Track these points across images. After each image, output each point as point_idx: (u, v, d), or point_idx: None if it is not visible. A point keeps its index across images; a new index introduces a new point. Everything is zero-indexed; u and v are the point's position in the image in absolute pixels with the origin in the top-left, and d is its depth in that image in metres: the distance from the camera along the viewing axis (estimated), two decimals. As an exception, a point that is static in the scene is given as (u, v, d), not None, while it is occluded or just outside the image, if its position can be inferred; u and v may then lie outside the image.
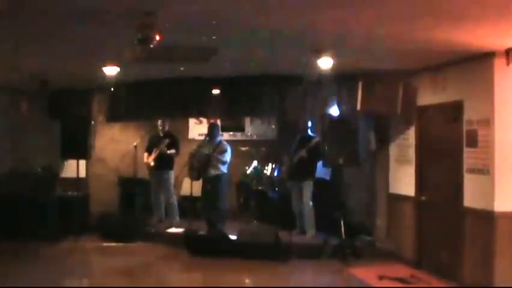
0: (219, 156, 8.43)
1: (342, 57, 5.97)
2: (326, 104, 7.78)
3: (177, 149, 9.10)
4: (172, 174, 9.16)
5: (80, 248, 8.37)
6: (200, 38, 5.05)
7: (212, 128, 8.67)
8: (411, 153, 7.40)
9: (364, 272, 6.97)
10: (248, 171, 9.51)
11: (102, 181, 9.86)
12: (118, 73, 7.12)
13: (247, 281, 7.26)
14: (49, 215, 8.67)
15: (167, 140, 8.96)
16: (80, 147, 8.77)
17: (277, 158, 9.20)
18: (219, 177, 8.45)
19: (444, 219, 6.68)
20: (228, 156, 8.49)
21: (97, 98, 9.73)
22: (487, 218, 5.74)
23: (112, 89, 8.53)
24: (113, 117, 9.37)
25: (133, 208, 9.35)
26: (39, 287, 6.09)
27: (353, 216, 8.24)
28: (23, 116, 9.53)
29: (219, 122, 9.15)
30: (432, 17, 4.43)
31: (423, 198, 7.15)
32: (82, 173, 9.46)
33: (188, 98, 8.51)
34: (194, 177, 8.74)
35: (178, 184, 9.78)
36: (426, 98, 7.09)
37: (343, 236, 7.53)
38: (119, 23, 4.52)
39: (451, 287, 6.27)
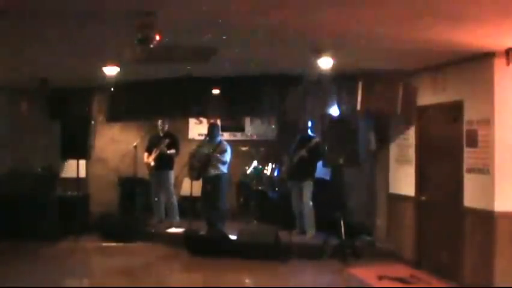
0: (219, 156, 8.42)
1: (342, 57, 5.97)
2: (326, 104, 7.77)
3: (177, 149, 9.09)
4: (172, 174, 9.16)
5: (80, 248, 8.36)
6: (200, 38, 5.05)
7: (212, 128, 8.67)
8: (411, 153, 7.40)
9: (364, 272, 6.96)
10: (248, 171, 9.51)
11: (102, 181, 9.88)
12: (118, 73, 7.13)
13: (247, 281, 7.26)
14: (49, 215, 8.67)
15: (167, 140, 8.96)
16: (80, 147, 8.78)
17: (277, 158, 9.20)
18: (219, 177, 8.44)
19: (444, 219, 6.68)
20: (228, 156, 8.49)
21: (97, 98, 9.74)
22: (487, 218, 5.73)
23: (112, 89, 8.53)
24: (113, 117, 9.37)
25: (133, 208, 9.35)
26: (39, 287, 6.08)
27: (353, 216, 8.23)
28: (23, 115, 9.55)
29: (219, 122, 9.15)
30: (432, 17, 4.43)
31: (423, 198, 7.15)
32: (82, 173, 9.47)
33: (188, 98, 8.51)
34: (194, 177, 8.73)
35: (178, 184, 9.78)
36: (426, 98, 7.08)
37: (343, 236, 7.53)
38: (119, 23, 4.52)
39: (451, 287, 6.27)
